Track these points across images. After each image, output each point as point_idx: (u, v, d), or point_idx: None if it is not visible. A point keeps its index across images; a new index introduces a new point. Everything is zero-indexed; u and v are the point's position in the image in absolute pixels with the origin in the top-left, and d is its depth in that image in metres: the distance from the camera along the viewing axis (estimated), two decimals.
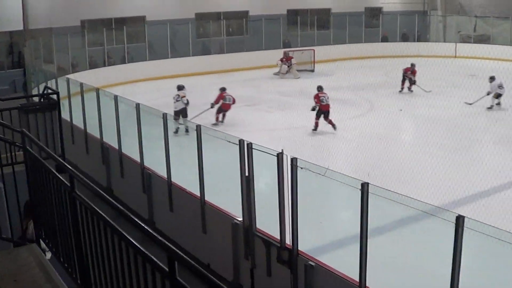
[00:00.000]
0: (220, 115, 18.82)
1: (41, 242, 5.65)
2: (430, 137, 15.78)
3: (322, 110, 17.51)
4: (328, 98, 17.64)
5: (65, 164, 4.61)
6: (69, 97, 15.81)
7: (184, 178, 11.43)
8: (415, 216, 8.21)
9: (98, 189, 3.88)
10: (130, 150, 13.08)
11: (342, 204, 11.58)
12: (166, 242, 3.03)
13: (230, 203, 9.75)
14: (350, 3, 37.15)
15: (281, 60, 29.77)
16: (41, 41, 24.53)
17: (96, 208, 3.94)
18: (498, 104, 20.55)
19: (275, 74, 29.72)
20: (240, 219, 9.21)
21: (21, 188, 5.94)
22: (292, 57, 29.81)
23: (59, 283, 4.70)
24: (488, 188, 11.72)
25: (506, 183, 12.33)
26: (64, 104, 15.58)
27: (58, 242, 5.08)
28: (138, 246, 3.37)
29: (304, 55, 30.77)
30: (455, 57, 33.79)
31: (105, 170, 14.37)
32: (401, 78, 24.10)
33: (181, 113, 17.23)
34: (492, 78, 20.88)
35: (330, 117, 17.45)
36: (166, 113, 11.43)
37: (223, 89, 18.90)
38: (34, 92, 20.92)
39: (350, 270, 7.37)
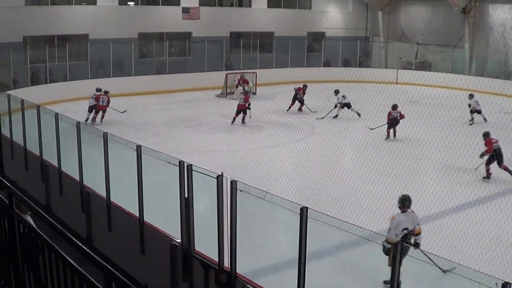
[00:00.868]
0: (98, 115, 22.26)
1: None
2: (370, 162, 16.15)
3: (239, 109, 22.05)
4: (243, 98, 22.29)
5: (4, 180, 4.57)
6: (9, 113, 15.55)
7: (124, 198, 11.34)
8: (354, 241, 8.35)
9: (36, 207, 3.88)
10: (71, 168, 12.91)
11: (281, 227, 11.69)
12: (103, 262, 3.04)
13: (169, 224, 9.73)
14: (293, 27, 37.54)
15: (238, 81, 29.78)
16: None
17: (34, 226, 3.93)
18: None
19: (218, 96, 29.87)
20: (179, 240, 9.20)
21: None
22: (248, 81, 29.92)
23: None
24: (429, 213, 12.06)
25: (445, 210, 12.76)
26: (4, 120, 15.34)
27: None
28: (75, 265, 3.36)
29: (246, 77, 30.97)
30: (397, 83, 34.51)
31: (44, 187, 14.13)
32: (292, 96, 24.99)
33: (94, 108, 22.29)
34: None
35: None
36: (106, 133, 11.36)
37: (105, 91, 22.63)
38: None
39: None
